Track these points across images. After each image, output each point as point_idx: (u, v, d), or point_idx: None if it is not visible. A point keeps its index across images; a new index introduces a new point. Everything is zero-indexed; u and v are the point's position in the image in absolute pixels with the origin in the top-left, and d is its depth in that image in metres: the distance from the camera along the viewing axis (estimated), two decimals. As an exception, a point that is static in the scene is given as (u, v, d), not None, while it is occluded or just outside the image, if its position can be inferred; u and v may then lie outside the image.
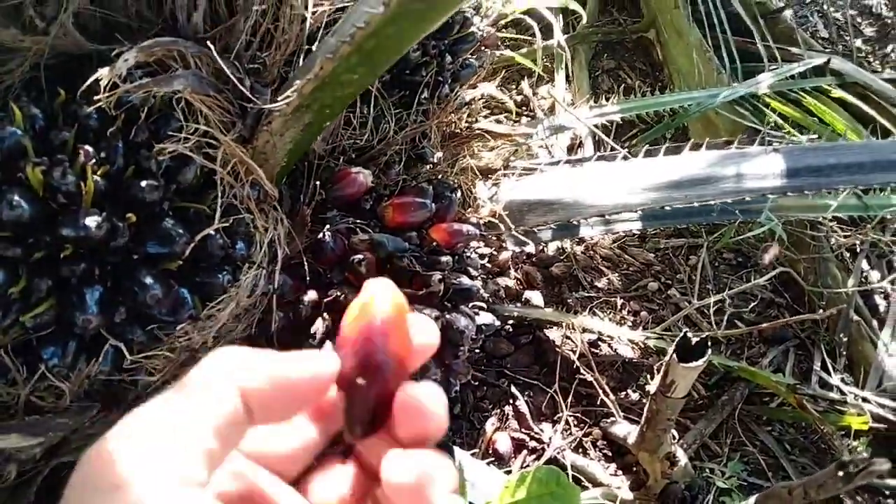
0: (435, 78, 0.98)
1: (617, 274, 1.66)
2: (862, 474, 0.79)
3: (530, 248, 1.67)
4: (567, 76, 1.97)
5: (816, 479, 0.86)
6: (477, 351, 1.38)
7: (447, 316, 0.85)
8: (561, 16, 1.91)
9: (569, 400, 1.43)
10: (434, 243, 0.91)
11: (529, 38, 1.91)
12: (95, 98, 0.60)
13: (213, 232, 0.66)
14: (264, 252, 0.75)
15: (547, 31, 1.86)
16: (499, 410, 1.42)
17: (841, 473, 0.78)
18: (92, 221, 0.57)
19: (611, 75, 2.04)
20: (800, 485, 0.89)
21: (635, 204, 1.02)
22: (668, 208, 0.99)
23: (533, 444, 1.39)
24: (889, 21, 2.29)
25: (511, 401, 1.42)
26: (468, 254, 0.94)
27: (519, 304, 1.52)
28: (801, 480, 0.89)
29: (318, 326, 0.84)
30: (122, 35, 0.68)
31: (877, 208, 1.55)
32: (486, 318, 0.94)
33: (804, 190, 1.06)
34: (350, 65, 0.62)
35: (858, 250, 1.63)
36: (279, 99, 0.67)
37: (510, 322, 1.52)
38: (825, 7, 2.28)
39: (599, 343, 1.54)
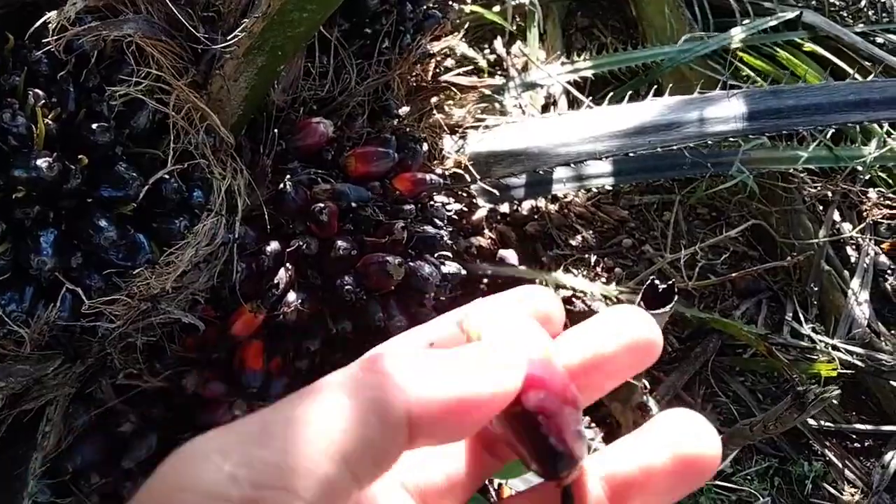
0: (396, 27, 0.98)
1: (591, 231, 1.67)
2: (815, 402, 0.81)
3: (504, 208, 1.68)
4: (540, 35, 1.96)
5: (774, 412, 0.88)
6: (444, 300, 1.40)
7: (410, 263, 0.86)
8: (533, -26, 1.89)
9: (543, 355, 1.44)
10: (398, 193, 0.91)
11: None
12: (44, 42, 0.60)
13: (167, 177, 0.66)
14: (222, 200, 0.75)
15: (520, -10, 1.86)
16: (474, 367, 1.43)
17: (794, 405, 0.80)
18: (43, 162, 0.57)
19: (585, 33, 2.03)
20: (759, 420, 0.91)
21: (600, 151, 1.02)
22: (633, 154, 1.00)
23: None
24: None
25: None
26: (433, 204, 0.95)
27: (493, 263, 1.53)
28: (760, 416, 0.91)
29: (281, 276, 0.85)
30: (69, -21, 0.67)
31: (847, 160, 1.56)
32: (451, 267, 0.94)
33: (764, 132, 1.07)
34: (298, 1, 0.62)
35: (829, 201, 1.65)
36: (229, 39, 0.66)
37: (485, 281, 1.53)
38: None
39: (574, 300, 1.55)
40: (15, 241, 0.60)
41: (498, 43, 1.97)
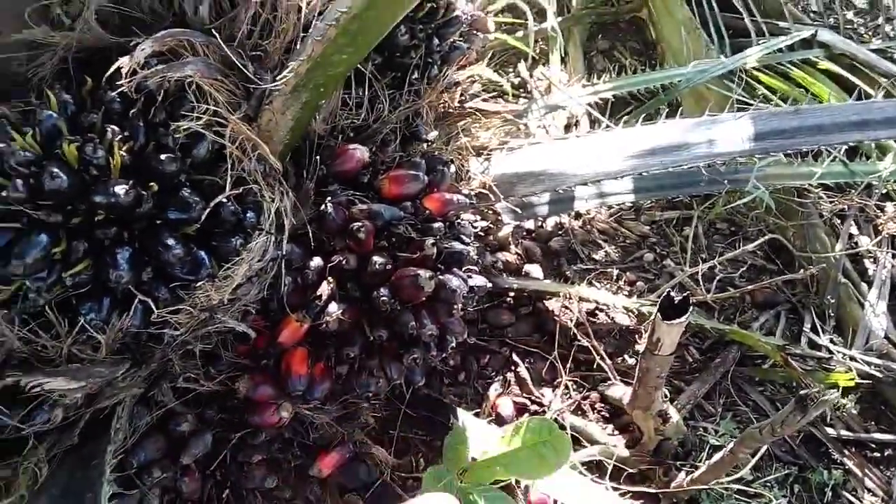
0: (424, 60, 1.06)
1: (614, 246, 1.74)
2: (817, 404, 0.86)
3: (529, 225, 1.75)
4: (563, 58, 2.04)
5: (780, 416, 0.93)
6: (472, 311, 1.47)
7: (440, 277, 0.93)
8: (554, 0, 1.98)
9: (568, 366, 1.50)
10: (428, 212, 0.99)
11: (526, 21, 1.98)
12: (118, 84, 0.69)
13: (225, 200, 0.74)
14: (272, 220, 0.84)
15: (542, 15, 1.94)
16: (501, 377, 1.50)
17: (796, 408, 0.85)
18: (120, 189, 0.66)
19: (605, 55, 2.10)
20: (767, 423, 0.96)
21: (615, 171, 1.09)
22: (646, 174, 1.06)
23: (534, 407, 1.47)
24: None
25: (513, 368, 1.51)
26: (460, 221, 1.02)
27: (519, 277, 1.60)
28: (768, 420, 0.97)
29: (324, 289, 0.93)
30: (138, 28, 0.76)
31: (862, 174, 1.61)
32: (478, 280, 1.01)
33: (770, 151, 1.13)
34: (338, 46, 0.70)
35: (846, 216, 1.69)
36: (278, 79, 0.75)
37: (511, 294, 1.60)
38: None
39: (597, 312, 1.61)
40: (95, 258, 0.69)
41: (522, 67, 2.05)
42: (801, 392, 0.89)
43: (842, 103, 1.26)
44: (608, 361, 1.49)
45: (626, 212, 1.80)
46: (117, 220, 0.69)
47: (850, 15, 2.32)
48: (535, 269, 1.64)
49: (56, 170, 0.64)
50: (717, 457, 1.13)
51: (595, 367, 1.50)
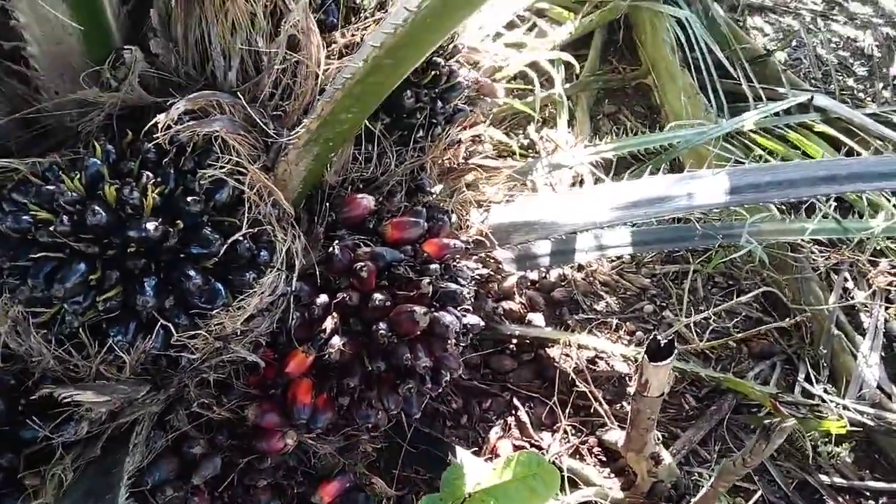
0: (429, 120, 1.17)
1: (615, 297, 1.81)
2: (777, 433, 0.92)
3: (534, 276, 1.83)
4: (570, 121, 2.15)
5: (748, 447, 0.99)
6: (475, 356, 1.54)
7: (435, 313, 1.02)
8: (563, 67, 2.11)
9: (567, 411, 1.56)
10: (426, 255, 1.08)
11: (530, 83, 2.11)
12: (154, 137, 0.81)
13: (241, 238, 0.84)
14: (283, 259, 0.94)
15: (553, 82, 2.06)
16: (502, 420, 1.56)
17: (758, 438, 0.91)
18: (151, 226, 0.76)
19: (611, 118, 2.22)
20: (738, 455, 1.02)
21: (603, 221, 1.18)
22: (642, 226, 1.15)
23: (533, 450, 1.52)
24: (879, 61, 2.43)
25: (513, 412, 1.57)
26: (457, 265, 1.11)
27: (521, 325, 1.68)
28: (739, 452, 1.02)
29: (328, 324, 1.02)
30: (174, 90, 0.88)
31: (855, 231, 1.68)
32: (472, 318, 1.10)
33: (744, 203, 1.21)
34: (345, 106, 0.81)
35: (839, 270, 1.76)
36: (292, 134, 0.86)
37: (514, 341, 1.67)
38: (817, 49, 2.44)
39: (597, 360, 1.68)
40: (125, 286, 0.79)
41: (531, 129, 2.17)
42: (765, 422, 0.95)
43: (811, 160, 1.35)
44: (605, 407, 1.55)
45: (627, 265, 1.87)
46: (146, 252, 0.79)
47: (850, 82, 2.42)
48: (537, 318, 1.72)
49: (97, 208, 0.75)
50: (700, 493, 1.18)
51: (593, 412, 1.56)
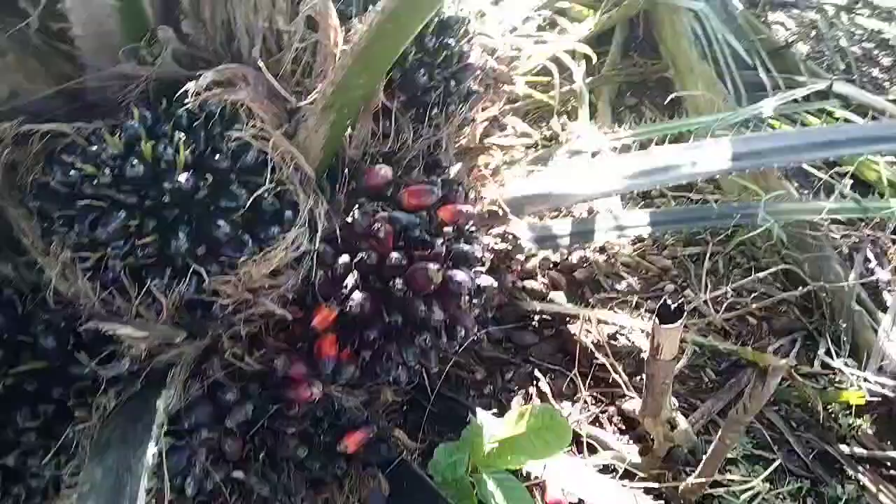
0: (443, 100, 1.25)
1: (636, 278, 1.86)
2: (774, 373, 0.96)
3: (556, 258, 1.89)
4: (593, 113, 2.21)
5: (747, 393, 1.03)
6: (498, 331, 1.61)
7: (448, 272, 1.09)
8: (584, 61, 2.17)
9: (587, 382, 1.62)
10: (440, 220, 1.16)
11: (561, 80, 2.18)
12: (185, 103, 0.91)
13: (265, 195, 0.94)
14: (305, 218, 1.02)
15: (573, 79, 2.13)
16: (524, 391, 1.62)
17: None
18: (183, 177, 0.86)
19: (632, 110, 2.27)
20: (740, 403, 1.06)
21: (612, 190, 1.24)
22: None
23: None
24: (905, 50, 2.44)
25: (535, 382, 1.63)
26: (470, 229, 1.18)
27: (543, 302, 1.74)
28: (742, 402, 1.06)
29: (349, 281, 1.10)
30: (203, 65, 0.98)
31: (875, 210, 1.70)
32: (485, 280, 1.17)
33: (746, 170, 1.25)
34: (354, 71, 0.89)
35: (859, 248, 1.77)
36: (309, 100, 0.95)
37: (536, 318, 1.73)
38: (840, 42, 2.45)
39: (617, 336, 1.72)
40: (160, 233, 0.88)
41: (554, 121, 2.24)
42: (762, 365, 0.99)
43: (811, 127, 1.38)
44: (624, 378, 1.59)
45: (648, 248, 1.92)
46: (179, 203, 0.89)
47: (875, 72, 2.43)
48: (559, 297, 1.78)
49: (136, 161, 0.84)
50: (711, 448, 1.22)
51: (613, 383, 1.60)
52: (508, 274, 1.58)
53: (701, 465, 1.28)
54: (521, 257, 1.83)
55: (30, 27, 0.94)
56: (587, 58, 2.14)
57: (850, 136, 1.19)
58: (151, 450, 0.79)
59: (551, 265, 1.86)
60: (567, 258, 1.88)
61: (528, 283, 1.77)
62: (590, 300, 1.78)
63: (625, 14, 2.26)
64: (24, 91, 0.99)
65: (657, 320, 1.23)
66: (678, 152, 1.22)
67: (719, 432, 1.18)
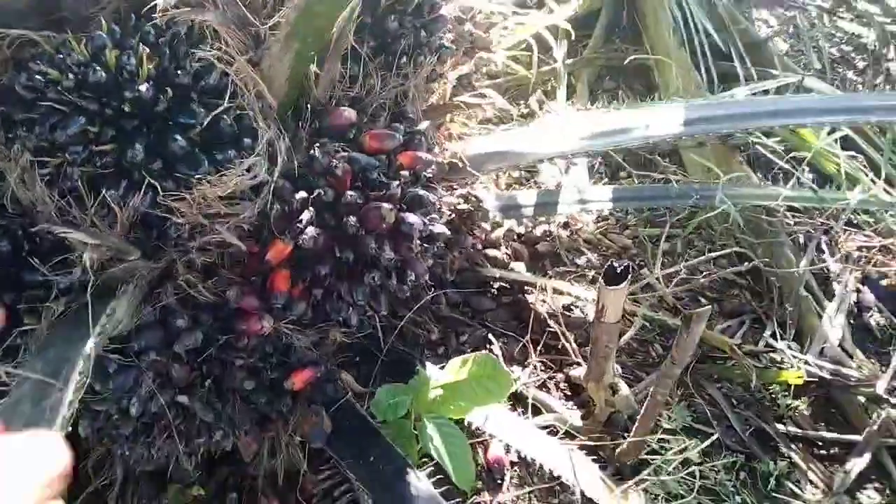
0: (413, 49, 1.28)
1: (596, 254, 1.90)
2: (697, 319, 1.00)
3: (521, 230, 1.93)
4: (571, 94, 2.25)
5: (675, 342, 1.07)
6: (456, 296, 1.64)
7: (400, 213, 1.12)
8: (566, 42, 2.21)
9: (538, 349, 1.65)
10: (399, 164, 1.18)
11: (544, 59, 2.21)
12: (153, 16, 0.92)
13: (224, 117, 0.96)
14: (264, 148, 1.04)
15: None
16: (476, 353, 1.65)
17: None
18: (144, 87, 0.88)
19: (610, 94, 2.31)
20: (668, 355, 1.10)
21: (568, 150, 1.28)
22: (593, 153, 1.24)
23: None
24: (878, 54, 2.49)
25: (488, 346, 1.66)
26: (427, 175, 1.21)
27: (504, 270, 1.77)
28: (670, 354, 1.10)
29: (305, 216, 1.12)
30: (175, -14, 1.00)
31: (830, 201, 1.75)
32: (439, 228, 1.20)
33: (695, 134, 1.29)
34: (317, -1, 0.92)
35: (812, 236, 1.82)
36: (271, 22, 0.97)
37: (495, 285, 1.77)
38: (820, 42, 2.50)
39: (572, 308, 1.76)
40: (118, 143, 0.90)
41: (532, 99, 2.27)
42: (686, 313, 1.03)
43: (761, 97, 1.43)
44: (574, 346, 1.63)
45: (611, 226, 1.96)
46: (139, 115, 0.91)
47: (850, 74, 2.48)
48: (520, 267, 1.81)
49: (98, 67, 0.86)
50: (644, 405, 1.26)
51: (563, 351, 1.64)
52: (469, 236, 1.61)
53: (634, 428, 1.32)
54: (486, 226, 1.87)
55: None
56: (570, 39, 2.18)
57: (799, 107, 1.24)
58: (90, 343, 0.81)
59: (515, 236, 1.90)
60: (531, 231, 1.91)
61: (491, 252, 1.80)
62: (549, 272, 1.82)
63: (608, -2, 2.30)
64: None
65: (602, 282, 1.27)
66: (633, 115, 1.26)
67: (651, 388, 1.22)
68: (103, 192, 0.93)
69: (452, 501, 1.14)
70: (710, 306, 1.05)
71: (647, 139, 1.23)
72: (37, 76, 0.89)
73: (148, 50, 0.91)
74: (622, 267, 1.26)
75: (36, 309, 0.97)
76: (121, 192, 0.93)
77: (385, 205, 1.10)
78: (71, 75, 0.87)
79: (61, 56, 0.90)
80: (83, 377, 0.77)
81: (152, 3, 0.92)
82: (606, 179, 2.02)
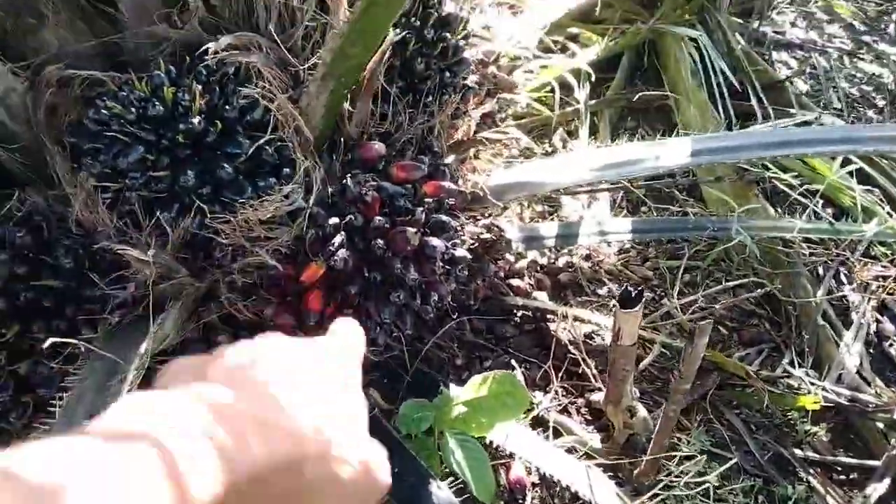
0: (438, 89, 1.39)
1: (617, 285, 1.96)
2: (699, 333, 1.06)
3: (543, 261, 2.00)
4: (594, 134, 2.34)
5: (682, 356, 1.13)
6: (480, 324, 1.71)
7: (424, 237, 1.21)
8: (588, 84, 2.31)
9: (560, 375, 1.71)
10: (424, 193, 1.28)
11: (568, 100, 2.32)
12: (206, 59, 1.04)
13: (266, 147, 1.06)
14: (301, 177, 1.15)
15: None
16: (500, 377, 1.71)
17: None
18: (196, 120, 0.99)
19: (632, 133, 2.39)
20: (676, 369, 1.16)
21: (584, 180, 1.36)
22: (604, 178, 1.32)
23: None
24: (898, 95, 2.54)
25: (510, 371, 1.72)
26: (450, 202, 1.30)
27: (526, 298, 1.84)
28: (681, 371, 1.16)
29: (337, 240, 1.22)
30: (225, 31, 1.12)
31: (846, 233, 1.80)
32: (461, 252, 1.28)
33: (701, 164, 1.36)
34: (350, 40, 1.02)
35: (829, 266, 1.87)
36: (310, 64, 1.08)
37: (518, 313, 1.84)
38: (840, 83, 2.57)
39: (594, 336, 1.82)
40: (172, 170, 1.01)
41: (556, 138, 2.37)
42: (691, 327, 1.09)
43: (753, 130, 1.51)
44: (594, 371, 1.69)
45: (633, 258, 2.02)
46: (191, 145, 1.02)
47: (870, 113, 2.54)
48: (542, 296, 1.88)
49: (157, 103, 0.98)
50: (657, 425, 1.31)
51: (584, 378, 1.70)
52: (492, 264, 1.69)
53: (651, 443, 1.36)
54: (510, 258, 1.95)
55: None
56: (593, 82, 2.28)
57: (801, 139, 1.31)
58: (145, 345, 0.90)
59: (539, 267, 1.97)
60: (554, 262, 1.99)
61: (515, 282, 1.88)
62: (571, 302, 1.89)
63: (630, 41, 2.40)
64: (70, 47, 1.14)
65: (618, 306, 1.34)
66: (643, 148, 1.35)
67: (664, 406, 1.28)
68: (157, 214, 1.03)
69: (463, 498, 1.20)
70: (710, 320, 1.11)
71: (656, 168, 1.31)
72: (103, 111, 1.00)
73: (200, 87, 1.03)
74: (636, 291, 1.33)
75: (93, 321, 1.08)
76: (173, 214, 1.04)
77: (410, 229, 1.19)
78: (133, 109, 0.99)
79: (124, 93, 1.02)
80: (138, 373, 0.86)
81: (205, 47, 1.04)
82: (626, 213, 2.10)
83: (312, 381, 0.57)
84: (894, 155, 2.08)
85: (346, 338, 0.70)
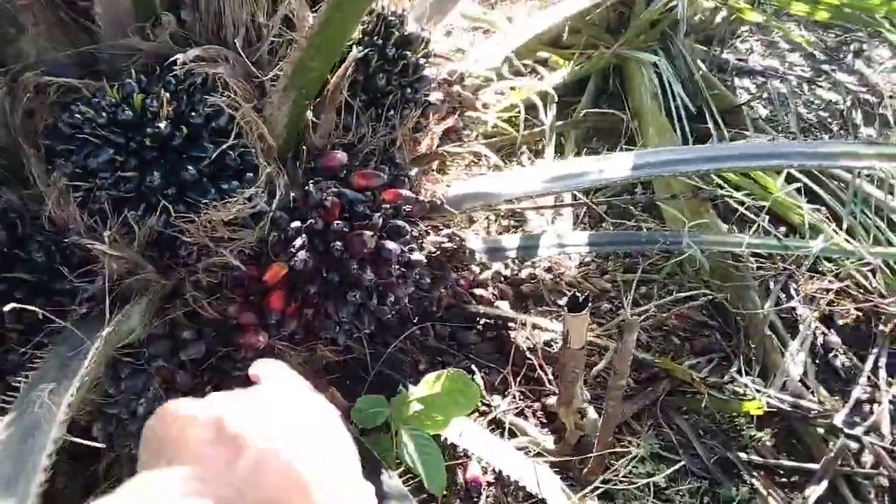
0: (400, 104, 1.47)
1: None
2: (627, 329, 1.13)
3: (507, 272, 2.08)
4: (560, 154, 2.43)
5: (617, 349, 1.20)
6: (443, 329, 1.78)
7: (381, 241, 1.29)
8: (555, 106, 2.41)
9: (518, 380, 1.78)
10: (383, 200, 1.36)
11: (535, 121, 2.41)
12: (174, 69, 1.12)
13: (230, 151, 1.14)
14: (264, 181, 1.22)
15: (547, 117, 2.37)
16: (460, 381, 1.78)
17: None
18: (163, 125, 1.07)
19: (595, 153, 2.49)
20: (610, 360, 1.23)
21: (535, 191, 1.44)
22: (554, 194, 1.40)
23: (483, 408, 1.73)
24: (855, 122, 2.66)
25: (470, 375, 1.79)
26: (407, 209, 1.38)
27: (488, 307, 1.91)
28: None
29: (298, 242, 1.29)
30: (195, 45, 1.20)
31: (794, 248, 1.89)
32: (417, 256, 1.36)
33: (641, 178, 1.45)
34: (309, 54, 1.10)
35: (776, 280, 1.95)
36: (271, 74, 1.16)
37: (480, 322, 1.91)
38: (798, 109, 2.68)
39: (552, 344, 1.89)
40: (140, 171, 1.09)
41: (524, 158, 2.46)
42: (621, 321, 1.16)
43: (693, 146, 1.60)
44: (550, 377, 1.76)
45: (592, 271, 2.10)
46: (158, 148, 1.09)
47: (825, 137, 2.65)
48: (504, 305, 1.95)
49: (126, 108, 1.06)
50: (600, 422, 1.38)
51: (541, 383, 1.77)
52: (453, 273, 1.77)
53: (596, 441, 1.43)
54: (475, 268, 2.02)
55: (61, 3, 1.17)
56: (560, 104, 2.38)
57: (730, 154, 1.40)
58: (105, 330, 0.97)
59: (502, 278, 2.05)
60: (517, 274, 2.06)
61: (479, 291, 1.95)
62: (532, 311, 1.96)
63: (595, 65, 2.50)
64: (48, 55, 1.21)
65: (566, 311, 1.41)
66: (589, 162, 1.44)
67: (605, 403, 1.35)
68: (125, 212, 1.10)
69: (420, 497, 1.26)
70: (637, 318, 1.18)
71: (600, 181, 1.39)
72: (76, 115, 1.08)
73: (168, 95, 1.10)
74: (583, 297, 1.40)
75: (62, 312, 1.14)
76: (140, 212, 1.11)
77: (367, 232, 1.27)
78: (104, 114, 1.06)
79: (97, 99, 1.10)
80: (98, 352, 0.93)
81: (174, 58, 1.12)
82: (587, 228, 2.18)
83: (306, 445, 0.59)
84: (833, 170, 2.19)
85: (285, 382, 0.73)
